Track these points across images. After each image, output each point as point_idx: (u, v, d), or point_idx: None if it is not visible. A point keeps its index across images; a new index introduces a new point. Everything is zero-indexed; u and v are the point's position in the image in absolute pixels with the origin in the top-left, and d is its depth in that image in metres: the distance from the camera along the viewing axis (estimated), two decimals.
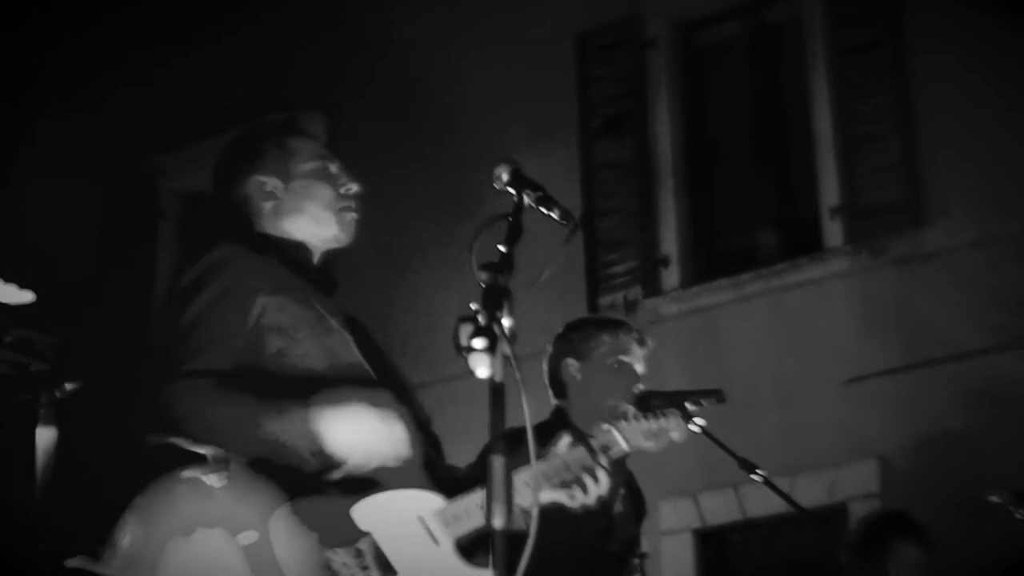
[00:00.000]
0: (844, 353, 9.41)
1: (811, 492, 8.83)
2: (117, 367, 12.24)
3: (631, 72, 10.98)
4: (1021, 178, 9.19)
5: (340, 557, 3.37)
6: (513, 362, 2.86)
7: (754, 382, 9.40)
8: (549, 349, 5.30)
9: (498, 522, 2.75)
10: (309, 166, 3.87)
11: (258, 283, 3.63)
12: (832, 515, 8.84)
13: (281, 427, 3.40)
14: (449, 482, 3.65)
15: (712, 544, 9.76)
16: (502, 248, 3.12)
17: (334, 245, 3.88)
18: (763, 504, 9.12)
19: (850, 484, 9.12)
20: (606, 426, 3.86)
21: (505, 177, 3.39)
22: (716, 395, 4.99)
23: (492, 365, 2.79)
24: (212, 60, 12.62)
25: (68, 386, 8.27)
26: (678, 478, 9.52)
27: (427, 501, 3.55)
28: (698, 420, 4.92)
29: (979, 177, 9.32)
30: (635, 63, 10.99)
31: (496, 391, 2.82)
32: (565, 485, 3.65)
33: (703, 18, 11.14)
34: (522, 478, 3.49)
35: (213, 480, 3.36)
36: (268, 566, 3.28)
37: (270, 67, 12.17)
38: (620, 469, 5.16)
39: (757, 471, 5.19)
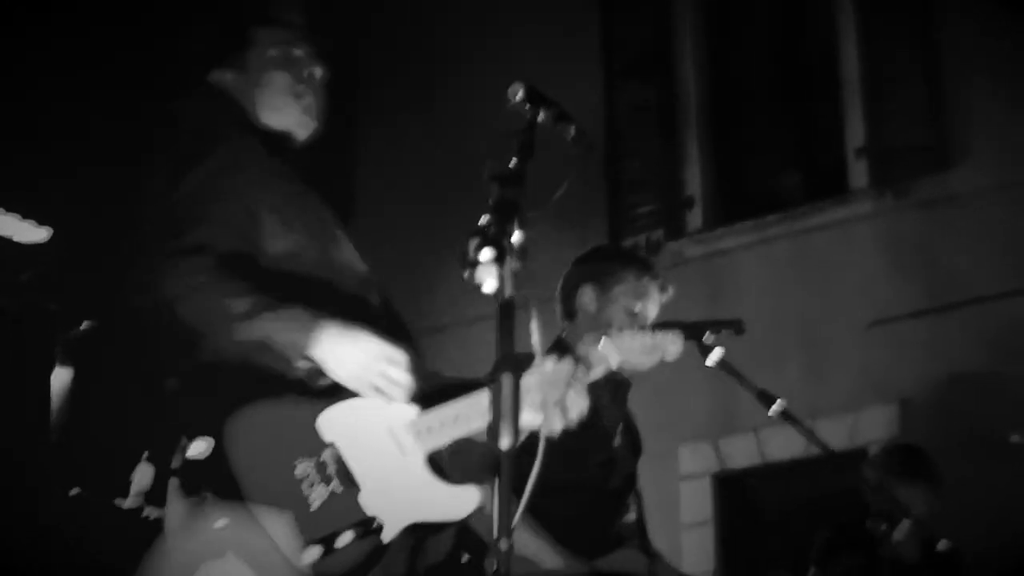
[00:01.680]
0: (867, 296, 9.33)
1: (832, 435, 8.71)
2: (131, 307, 12.27)
3: (656, 13, 10.87)
4: None
5: (301, 467, 3.29)
6: (520, 282, 2.77)
7: (777, 325, 9.32)
8: (569, 269, 5.20)
9: (505, 442, 2.68)
10: (268, 54, 3.78)
11: (256, 162, 3.57)
12: (853, 458, 8.77)
13: (275, 325, 3.32)
14: (429, 393, 3.55)
15: (732, 488, 9.70)
16: (514, 163, 3.02)
17: (305, 131, 3.79)
18: (783, 448, 9.08)
19: (871, 427, 9.05)
20: (600, 341, 3.76)
21: (520, 94, 3.30)
22: (735, 326, 4.90)
23: (500, 278, 2.70)
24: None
25: (84, 325, 8.20)
26: (698, 423, 9.48)
27: (399, 412, 3.44)
28: (715, 353, 4.84)
29: (1005, 120, 9.21)
30: (660, 4, 10.88)
31: (504, 307, 2.74)
32: (545, 405, 3.51)
33: None
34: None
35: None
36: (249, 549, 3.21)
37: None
38: (620, 403, 5.09)
39: (776, 404, 5.10)
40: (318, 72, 3.81)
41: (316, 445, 3.32)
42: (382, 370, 3.36)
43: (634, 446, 5.22)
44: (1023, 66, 9.21)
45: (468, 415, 3.45)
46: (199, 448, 3.22)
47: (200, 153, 3.50)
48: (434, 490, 3.41)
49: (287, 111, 3.75)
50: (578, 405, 3.59)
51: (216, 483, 3.20)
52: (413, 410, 3.45)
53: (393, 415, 3.42)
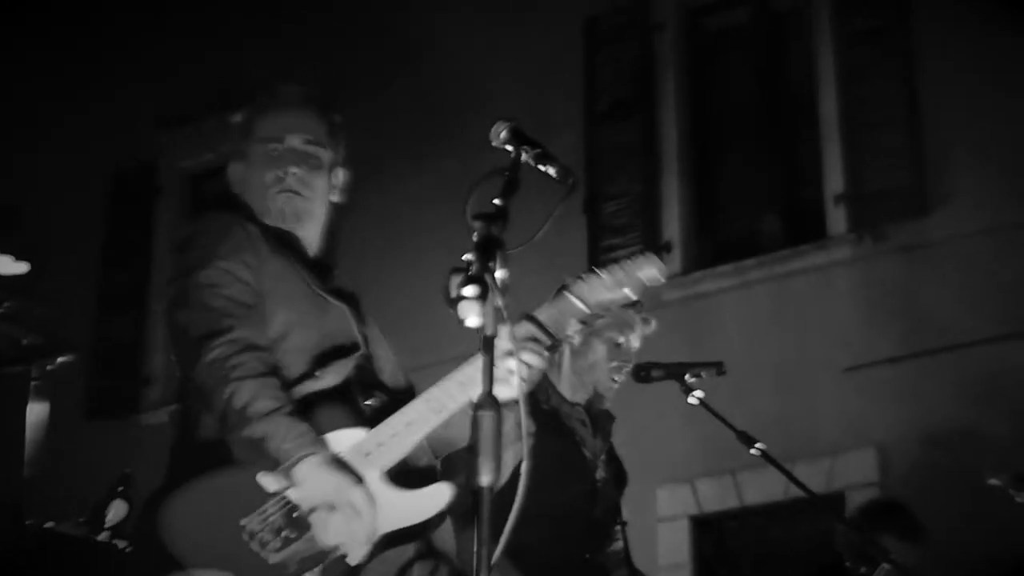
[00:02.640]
0: (846, 341, 9.36)
1: (809, 480, 8.68)
2: (110, 340, 12.23)
3: (638, 56, 10.92)
4: None
5: (249, 524, 3.28)
6: (504, 314, 2.78)
7: (755, 368, 9.33)
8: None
9: (485, 479, 2.68)
10: (257, 150, 3.78)
11: (263, 248, 3.59)
12: (830, 502, 8.78)
13: (278, 431, 3.30)
14: (378, 409, 3.54)
15: (709, 531, 9.70)
16: (497, 201, 3.02)
17: (292, 227, 3.75)
18: (760, 491, 9.08)
19: (848, 472, 9.06)
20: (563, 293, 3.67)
21: (503, 134, 3.31)
22: (716, 367, 4.93)
23: (482, 314, 2.71)
24: (217, 40, 12.58)
25: (61, 359, 8.17)
26: (675, 464, 9.48)
27: (344, 438, 3.41)
28: (697, 392, 4.85)
29: (983, 165, 9.27)
30: (642, 47, 10.94)
31: (486, 343, 2.75)
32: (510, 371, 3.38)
33: (711, 3, 11.09)
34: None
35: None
36: None
37: (275, 48, 12.13)
38: (604, 436, 5.10)
39: (756, 444, 5.11)
40: (293, 170, 3.75)
41: (259, 501, 3.31)
42: (342, 517, 3.31)
43: (618, 478, 5.22)
44: (1002, 111, 9.28)
45: (422, 418, 3.43)
46: (118, 511, 3.25)
47: (205, 243, 3.57)
48: (397, 500, 3.38)
49: (266, 214, 3.74)
50: (541, 358, 3.52)
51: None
52: (359, 432, 3.42)
53: (337, 444, 3.38)
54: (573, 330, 4.97)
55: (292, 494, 3.29)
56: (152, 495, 3.41)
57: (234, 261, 3.52)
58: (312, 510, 3.27)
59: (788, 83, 10.65)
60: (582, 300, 3.63)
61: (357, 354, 3.63)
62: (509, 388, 3.27)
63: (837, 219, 9.77)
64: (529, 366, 3.48)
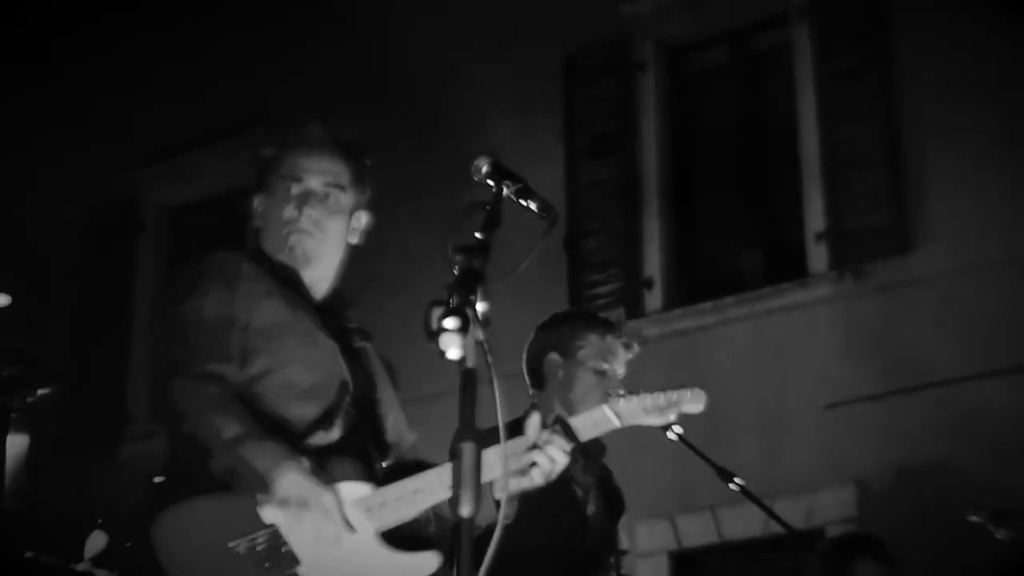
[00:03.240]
0: (826, 378, 9.38)
1: (789, 516, 8.67)
2: (89, 374, 12.21)
3: (618, 94, 10.97)
4: (1004, 206, 9.19)
5: (236, 547, 3.29)
6: (485, 347, 2.79)
7: (735, 406, 9.34)
8: (532, 336, 5.21)
9: (465, 511, 2.70)
10: (279, 187, 3.79)
11: (254, 286, 3.61)
12: (810, 539, 8.78)
13: (249, 454, 3.32)
14: (391, 469, 3.58)
15: (688, 566, 9.69)
16: (478, 235, 3.05)
17: (301, 268, 3.77)
18: (740, 527, 9.09)
19: (828, 509, 9.08)
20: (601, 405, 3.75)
21: (484, 168, 3.33)
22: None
23: (463, 347, 2.73)
24: (199, 74, 12.60)
25: (41, 392, 8.16)
26: (655, 500, 9.47)
27: (349, 490, 3.42)
28: (676, 428, 4.86)
29: (963, 204, 9.32)
30: (623, 86, 10.98)
31: (467, 376, 2.77)
32: (523, 471, 3.48)
33: (691, 43, 11.14)
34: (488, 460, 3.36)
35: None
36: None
37: (257, 81, 12.16)
38: (594, 468, 5.09)
39: (735, 480, 5.12)
40: (307, 212, 3.76)
41: (252, 527, 3.32)
42: (313, 516, 3.33)
43: (611, 509, 5.19)
44: (981, 151, 9.32)
45: (430, 488, 3.44)
46: (96, 543, 3.26)
47: (202, 278, 3.62)
48: (385, 560, 3.40)
49: (277, 247, 3.76)
50: (557, 464, 3.55)
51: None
52: (364, 487, 3.44)
53: (344, 493, 3.40)
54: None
55: (284, 519, 3.31)
56: (145, 502, 3.43)
57: (214, 297, 3.54)
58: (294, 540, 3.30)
59: (768, 122, 10.69)
60: (618, 416, 3.71)
61: (346, 395, 3.63)
62: (528, 480, 3.42)
63: (818, 257, 9.81)
64: (553, 462, 3.51)
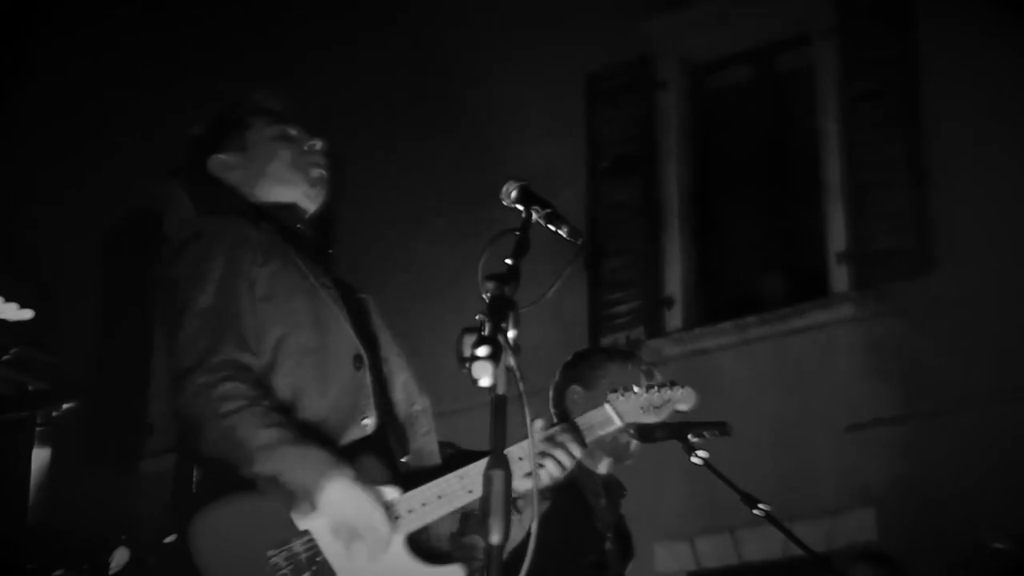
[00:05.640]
0: (846, 400, 9.37)
1: (809, 539, 8.69)
2: (111, 388, 12.25)
3: (641, 114, 10.98)
4: None
5: (274, 558, 3.27)
6: (517, 373, 2.81)
7: (755, 426, 9.33)
8: (557, 377, 5.24)
9: (495, 538, 2.71)
10: (266, 132, 3.78)
11: (249, 254, 3.51)
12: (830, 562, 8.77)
13: (291, 463, 3.26)
14: (413, 471, 3.52)
15: None
16: (509, 262, 3.06)
17: (313, 203, 3.76)
18: (759, 549, 9.07)
19: (848, 531, 9.06)
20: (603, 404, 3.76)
21: (514, 194, 3.35)
22: (720, 427, 4.94)
23: (495, 375, 2.74)
24: (218, 88, 12.63)
25: (65, 406, 8.21)
26: (674, 521, 9.47)
27: (377, 495, 3.37)
28: (701, 453, 4.87)
29: (986, 226, 9.30)
30: (645, 105, 10.99)
31: (498, 403, 2.78)
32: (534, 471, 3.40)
33: (714, 62, 11.14)
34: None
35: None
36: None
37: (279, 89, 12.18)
38: (614, 507, 5.10)
39: (760, 505, 5.12)
40: (318, 143, 3.79)
41: (287, 535, 3.29)
42: (366, 535, 3.31)
43: (624, 550, 5.22)
44: (1005, 173, 9.32)
45: (453, 492, 3.44)
46: (121, 558, 3.24)
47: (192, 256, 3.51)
48: (414, 570, 3.37)
49: (295, 184, 3.73)
50: (569, 462, 3.57)
51: None
52: (392, 491, 3.42)
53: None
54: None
55: (319, 526, 3.29)
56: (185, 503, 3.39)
57: (216, 283, 3.45)
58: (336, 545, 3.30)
59: (791, 142, 10.70)
60: (619, 416, 3.71)
61: (363, 370, 3.57)
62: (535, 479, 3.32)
63: (839, 278, 9.81)
64: (561, 467, 3.51)
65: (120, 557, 6.39)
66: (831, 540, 9.02)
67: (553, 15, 11.15)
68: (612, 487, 5.04)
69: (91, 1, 13.17)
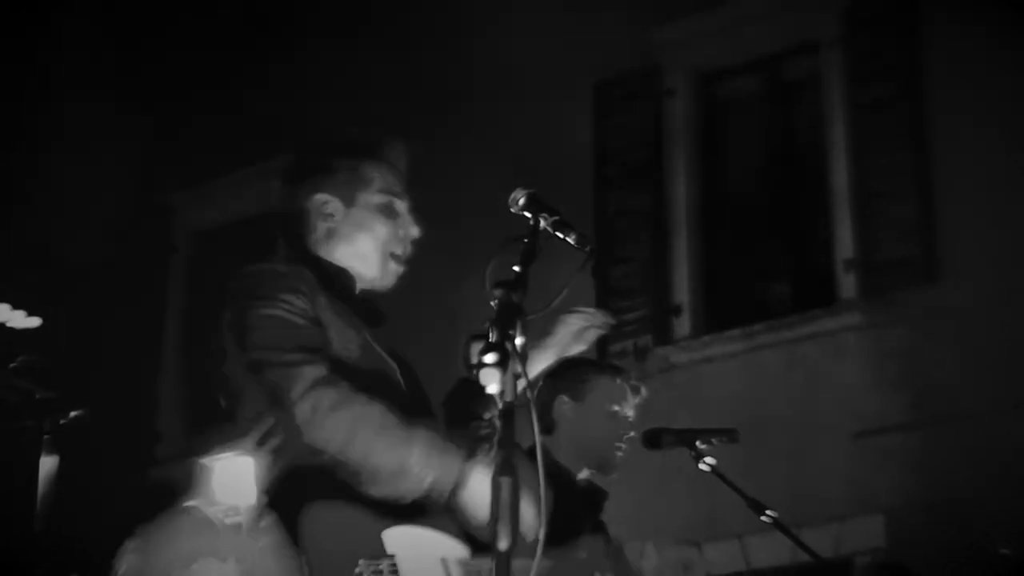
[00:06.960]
0: (854, 407, 9.37)
1: (817, 545, 8.70)
2: (122, 396, 12.26)
3: (648, 122, 10.98)
4: None
5: (363, 567, 3.28)
6: (525, 380, 2.81)
7: (762, 433, 9.32)
8: (540, 384, 5.18)
9: (503, 544, 2.71)
10: (375, 199, 3.71)
11: (313, 290, 3.50)
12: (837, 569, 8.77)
13: (431, 461, 3.28)
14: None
15: None
16: (516, 268, 3.06)
17: (378, 288, 3.72)
18: (767, 555, 9.06)
19: (856, 538, 9.06)
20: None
21: (522, 201, 3.35)
22: (729, 435, 4.95)
23: (502, 381, 2.74)
24: (230, 100, 12.67)
25: (73, 413, 8.20)
26: (682, 527, 9.46)
27: (452, 547, 3.42)
28: (708, 459, 4.88)
29: (994, 235, 9.29)
30: (653, 113, 11.00)
31: (506, 410, 2.78)
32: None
33: (722, 70, 11.15)
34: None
35: (222, 516, 3.22)
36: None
37: (289, 107, 12.22)
38: (594, 509, 5.08)
39: (767, 512, 5.12)
40: (415, 232, 3.75)
41: (377, 551, 3.31)
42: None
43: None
44: (1013, 181, 9.32)
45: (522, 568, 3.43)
46: (127, 564, 3.23)
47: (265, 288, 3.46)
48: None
49: (373, 267, 3.68)
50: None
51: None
52: (464, 549, 3.44)
53: (448, 548, 3.41)
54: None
55: (399, 546, 3.31)
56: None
57: (287, 301, 3.41)
58: None
59: (798, 150, 10.70)
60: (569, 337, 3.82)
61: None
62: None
63: (847, 285, 9.81)
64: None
65: (127, 563, 6.40)
66: (839, 546, 9.02)
67: (561, 23, 11.15)
68: (593, 493, 5.03)
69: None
